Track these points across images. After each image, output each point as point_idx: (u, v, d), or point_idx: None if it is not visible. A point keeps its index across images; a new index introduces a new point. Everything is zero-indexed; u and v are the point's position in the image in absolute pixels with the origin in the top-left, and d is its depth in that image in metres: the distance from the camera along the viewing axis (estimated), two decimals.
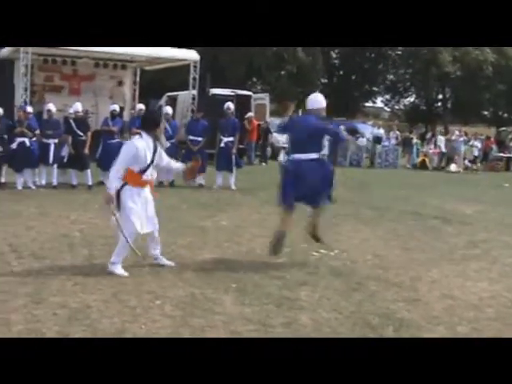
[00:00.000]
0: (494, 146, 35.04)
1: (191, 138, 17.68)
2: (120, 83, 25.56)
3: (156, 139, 8.13)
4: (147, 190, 8.03)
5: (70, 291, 7.00)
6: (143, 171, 7.88)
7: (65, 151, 16.00)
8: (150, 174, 8.03)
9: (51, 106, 16.53)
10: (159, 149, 8.15)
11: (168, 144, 16.59)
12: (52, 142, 15.89)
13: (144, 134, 7.97)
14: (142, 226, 7.85)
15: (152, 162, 7.93)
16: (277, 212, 9.34)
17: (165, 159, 8.34)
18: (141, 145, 7.84)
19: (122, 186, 7.81)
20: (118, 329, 5.91)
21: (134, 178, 7.85)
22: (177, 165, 8.86)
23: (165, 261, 8.35)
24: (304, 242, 9.49)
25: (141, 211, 7.86)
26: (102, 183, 16.77)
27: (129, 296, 6.92)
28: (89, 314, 6.28)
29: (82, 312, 6.34)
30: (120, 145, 17.18)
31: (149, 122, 8.19)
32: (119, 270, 7.80)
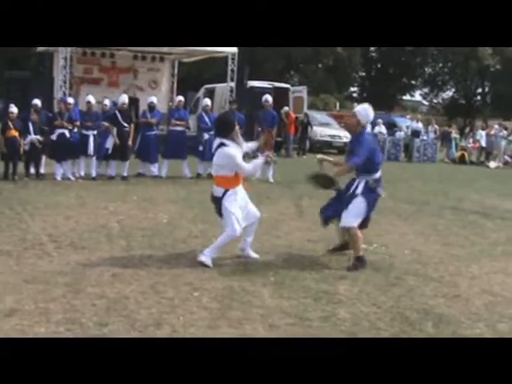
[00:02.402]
0: None
1: None
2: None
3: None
4: (241, 186, 8.20)
5: (107, 282, 7.03)
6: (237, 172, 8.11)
7: (109, 143, 16.04)
8: None
9: (91, 98, 16.60)
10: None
11: (207, 136, 16.59)
12: (91, 133, 15.94)
13: (227, 141, 7.98)
14: (241, 228, 8.02)
15: None
16: (315, 205, 9.27)
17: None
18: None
19: (224, 194, 7.96)
20: (155, 320, 5.92)
21: (232, 181, 8.02)
22: (249, 145, 8.80)
23: (251, 253, 8.41)
24: None
25: (241, 212, 8.03)
26: (140, 175, 16.89)
27: (166, 287, 6.93)
28: (127, 305, 6.29)
29: (120, 303, 6.36)
30: (158, 137, 17.39)
31: (226, 127, 8.14)
32: (210, 262, 7.89)
